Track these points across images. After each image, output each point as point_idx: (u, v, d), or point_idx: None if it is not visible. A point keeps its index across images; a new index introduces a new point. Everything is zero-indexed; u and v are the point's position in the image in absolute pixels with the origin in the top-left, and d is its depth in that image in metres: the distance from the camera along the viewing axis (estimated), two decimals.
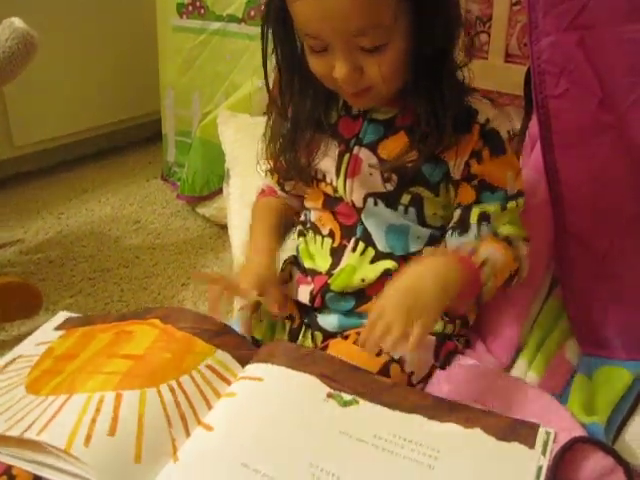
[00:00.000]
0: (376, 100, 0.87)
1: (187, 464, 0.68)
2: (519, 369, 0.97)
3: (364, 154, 0.89)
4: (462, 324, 0.94)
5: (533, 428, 0.71)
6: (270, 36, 0.87)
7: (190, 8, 1.99)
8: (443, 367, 0.89)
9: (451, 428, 0.72)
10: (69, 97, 2.31)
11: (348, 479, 0.65)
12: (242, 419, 0.74)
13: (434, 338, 0.90)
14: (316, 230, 0.96)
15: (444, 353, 0.91)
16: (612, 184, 0.94)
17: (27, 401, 0.76)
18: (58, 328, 0.94)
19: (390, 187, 0.88)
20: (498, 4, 1.61)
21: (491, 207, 0.88)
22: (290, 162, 0.94)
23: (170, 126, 2.18)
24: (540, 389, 0.87)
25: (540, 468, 0.67)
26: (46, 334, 0.92)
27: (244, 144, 1.59)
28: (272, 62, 0.90)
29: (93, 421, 0.69)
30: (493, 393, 0.83)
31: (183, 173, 2.03)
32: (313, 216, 0.98)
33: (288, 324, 0.98)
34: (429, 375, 0.88)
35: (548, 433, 0.71)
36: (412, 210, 0.89)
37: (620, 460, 0.71)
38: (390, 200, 0.89)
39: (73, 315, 0.98)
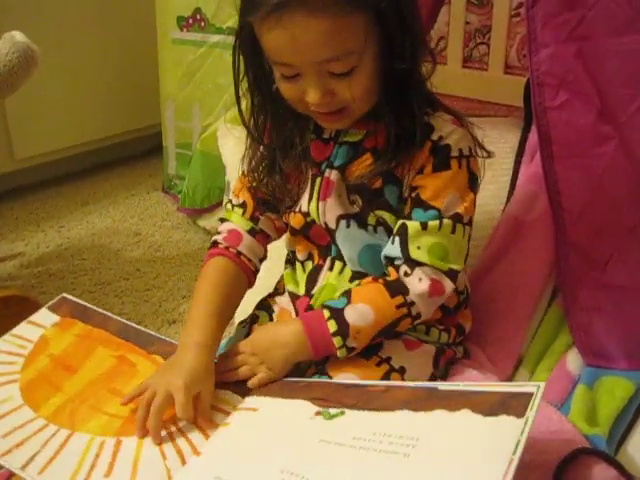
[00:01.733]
0: (350, 121, 0.86)
1: None
2: (521, 379, 0.97)
3: (335, 176, 0.88)
4: (458, 332, 0.94)
5: (526, 397, 0.66)
6: (241, 62, 0.86)
7: (190, 21, 1.99)
8: (444, 377, 0.89)
9: (437, 415, 0.70)
10: (70, 110, 2.31)
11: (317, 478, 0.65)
12: (228, 442, 0.76)
13: (433, 347, 0.90)
14: (295, 257, 0.97)
15: (444, 362, 0.91)
16: (612, 194, 0.94)
17: (25, 417, 0.79)
18: (51, 308, 0.95)
19: (356, 209, 0.88)
20: (497, 16, 1.62)
21: (413, 223, 0.84)
22: (274, 186, 0.92)
23: (171, 139, 2.18)
24: (542, 400, 0.86)
25: (526, 419, 0.62)
26: (38, 315, 0.94)
27: None
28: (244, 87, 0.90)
29: (92, 467, 0.72)
30: None
31: (184, 186, 2.03)
32: (289, 244, 0.98)
33: None
34: None
35: (537, 387, 0.66)
36: (381, 229, 0.88)
37: (623, 471, 0.70)
38: (361, 221, 0.88)
39: (69, 297, 0.98)
